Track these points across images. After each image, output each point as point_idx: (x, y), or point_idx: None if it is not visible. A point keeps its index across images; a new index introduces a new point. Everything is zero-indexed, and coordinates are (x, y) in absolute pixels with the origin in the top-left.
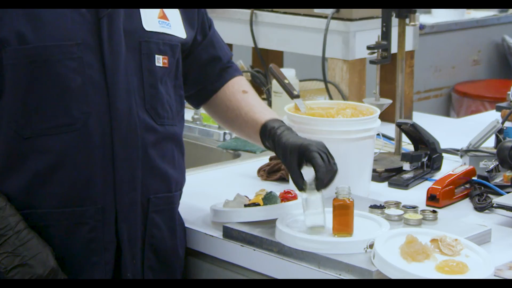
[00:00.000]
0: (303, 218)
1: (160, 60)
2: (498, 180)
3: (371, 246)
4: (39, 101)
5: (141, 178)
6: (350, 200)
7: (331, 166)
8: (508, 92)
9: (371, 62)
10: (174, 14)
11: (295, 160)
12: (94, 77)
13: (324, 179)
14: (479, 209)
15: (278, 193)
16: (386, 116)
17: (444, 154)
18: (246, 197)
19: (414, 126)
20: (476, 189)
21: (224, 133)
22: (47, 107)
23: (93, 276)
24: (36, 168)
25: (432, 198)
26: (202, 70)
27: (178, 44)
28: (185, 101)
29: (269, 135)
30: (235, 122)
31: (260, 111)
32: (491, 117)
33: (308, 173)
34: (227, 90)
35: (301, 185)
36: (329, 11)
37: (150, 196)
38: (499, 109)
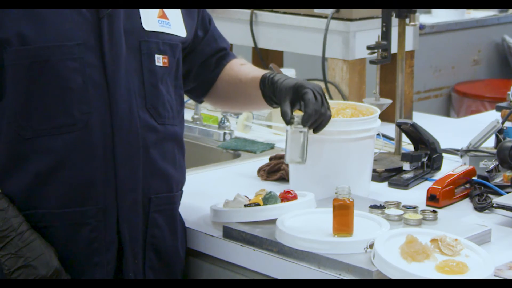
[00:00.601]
0: (285, 149)
1: (160, 60)
2: (498, 180)
3: (371, 246)
4: (40, 102)
5: (142, 178)
6: (350, 200)
7: (324, 108)
8: (508, 92)
9: (371, 62)
10: (174, 13)
11: (288, 97)
12: (95, 77)
13: (312, 114)
14: (479, 209)
15: (278, 193)
16: (386, 116)
17: (444, 154)
18: (246, 197)
19: (414, 126)
20: (476, 189)
21: (224, 133)
22: (48, 108)
23: (95, 276)
24: (37, 168)
25: (432, 198)
26: (203, 63)
27: (178, 43)
28: (184, 101)
29: (268, 82)
30: (236, 91)
31: (259, 71)
32: (491, 117)
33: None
34: (225, 70)
35: (288, 117)
36: (329, 11)
37: (151, 196)
38: (499, 109)
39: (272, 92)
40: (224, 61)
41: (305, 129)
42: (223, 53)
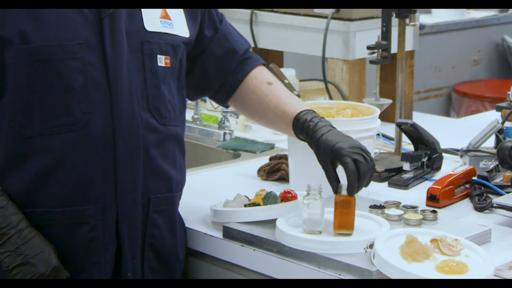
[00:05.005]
0: (302, 220)
1: (162, 60)
2: (498, 180)
3: (371, 246)
4: (41, 101)
5: (142, 178)
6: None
7: (368, 165)
8: (508, 92)
9: (371, 62)
10: (177, 13)
11: (328, 161)
12: (96, 77)
13: (354, 185)
14: (479, 209)
15: (278, 193)
16: (386, 116)
17: (444, 154)
18: (246, 197)
19: (414, 126)
20: (476, 189)
21: (224, 133)
22: (49, 107)
23: (93, 276)
24: (37, 167)
25: (432, 198)
26: (219, 64)
27: (181, 44)
28: (187, 101)
29: (303, 128)
30: (265, 116)
31: (289, 102)
32: (491, 117)
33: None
34: (250, 82)
35: (335, 187)
36: (329, 11)
37: (151, 196)
38: (499, 109)
39: (307, 140)
40: (247, 68)
41: (322, 200)
42: (245, 57)
